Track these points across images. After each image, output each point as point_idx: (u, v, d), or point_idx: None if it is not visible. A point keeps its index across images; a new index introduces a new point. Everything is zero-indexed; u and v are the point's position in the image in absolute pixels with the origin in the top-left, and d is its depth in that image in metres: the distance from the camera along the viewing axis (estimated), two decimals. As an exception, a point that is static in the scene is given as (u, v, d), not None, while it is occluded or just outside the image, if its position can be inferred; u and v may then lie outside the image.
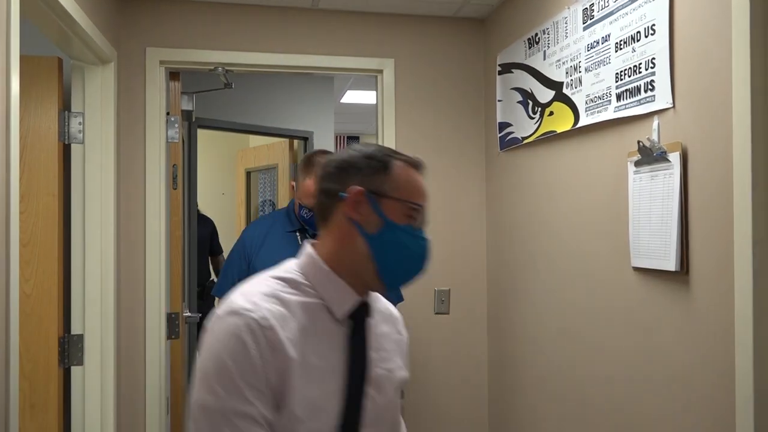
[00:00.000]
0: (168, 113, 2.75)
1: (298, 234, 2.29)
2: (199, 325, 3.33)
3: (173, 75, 2.82)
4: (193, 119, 3.37)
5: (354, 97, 5.68)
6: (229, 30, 2.76)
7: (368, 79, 3.07)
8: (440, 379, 2.93)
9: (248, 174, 5.04)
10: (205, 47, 2.73)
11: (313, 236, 1.74)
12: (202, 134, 3.69)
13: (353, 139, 8.49)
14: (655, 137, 1.68)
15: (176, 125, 2.76)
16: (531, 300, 2.50)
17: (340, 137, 8.35)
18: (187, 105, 3.11)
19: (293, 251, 1.72)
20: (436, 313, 2.91)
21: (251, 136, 5.21)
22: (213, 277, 4.57)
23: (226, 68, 2.76)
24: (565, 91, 2.17)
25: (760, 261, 1.34)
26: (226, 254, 3.14)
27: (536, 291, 2.45)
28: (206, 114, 3.68)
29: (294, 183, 2.36)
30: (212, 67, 2.74)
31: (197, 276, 4.17)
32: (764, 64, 1.36)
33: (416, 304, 2.85)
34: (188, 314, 3.14)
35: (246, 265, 2.29)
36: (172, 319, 2.71)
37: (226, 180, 5.66)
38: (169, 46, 2.69)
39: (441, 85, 2.95)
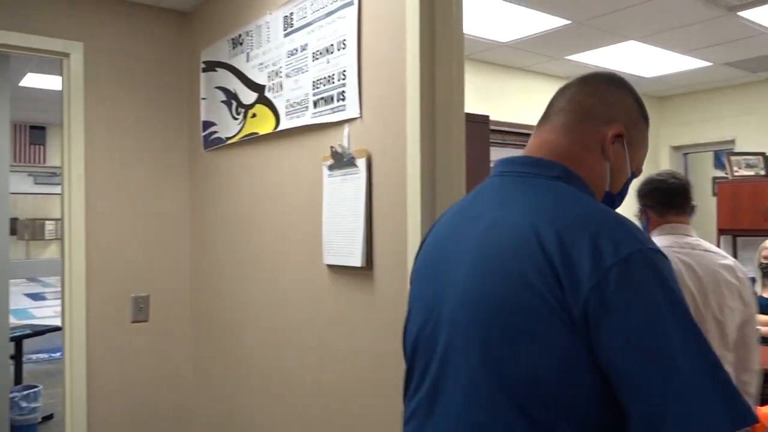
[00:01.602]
0: None
1: None
2: None
3: None
4: None
5: (37, 81, 4.97)
6: None
7: (54, 62, 2.71)
8: (141, 390, 2.73)
9: None
10: None
11: None
12: None
13: (38, 129, 7.42)
14: (345, 144, 1.83)
15: None
16: (237, 301, 2.49)
17: (21, 126, 7.22)
18: None
19: None
20: (133, 322, 2.71)
21: None
22: None
23: None
24: (267, 94, 2.22)
25: (427, 255, 1.55)
26: None
27: (242, 292, 2.45)
28: None
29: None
30: None
31: None
32: (430, 85, 1.57)
33: (108, 312, 2.62)
34: None
35: None
36: None
37: None
38: None
39: (142, 77, 2.76)
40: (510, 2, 3.67)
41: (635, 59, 4.96)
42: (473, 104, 4.55)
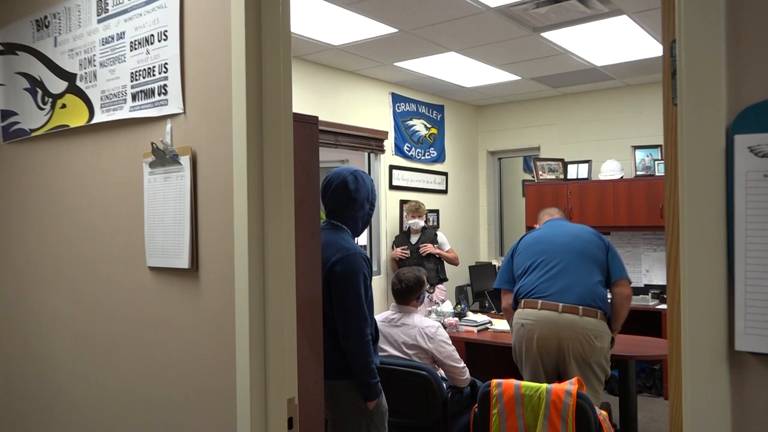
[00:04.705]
0: None
1: None
2: None
3: None
4: None
5: None
6: None
7: None
8: None
9: None
10: None
11: None
12: None
13: None
14: (168, 140, 1.74)
15: None
16: (43, 309, 2.25)
17: None
18: None
19: None
20: None
21: None
22: None
23: None
24: (78, 83, 2.04)
25: (253, 255, 1.54)
26: None
27: (50, 299, 2.22)
28: None
29: None
30: None
31: None
32: (257, 82, 1.56)
33: None
34: None
35: None
36: None
37: None
38: None
39: None
40: (342, 7, 3.75)
41: (456, 69, 5.33)
42: (305, 105, 4.58)
